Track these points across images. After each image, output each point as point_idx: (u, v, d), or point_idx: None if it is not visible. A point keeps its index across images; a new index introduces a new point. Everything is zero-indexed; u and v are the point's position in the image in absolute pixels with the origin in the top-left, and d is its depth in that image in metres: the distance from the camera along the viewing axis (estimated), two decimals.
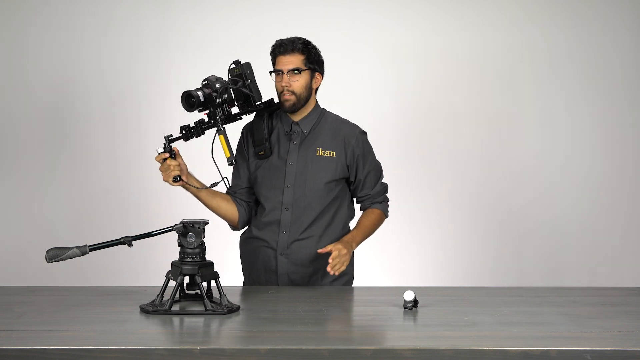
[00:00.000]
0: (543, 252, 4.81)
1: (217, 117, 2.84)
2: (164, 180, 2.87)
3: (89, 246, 2.52)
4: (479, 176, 4.78)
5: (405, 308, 2.53)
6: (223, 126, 2.85)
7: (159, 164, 2.87)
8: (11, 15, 4.68)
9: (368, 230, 3.12)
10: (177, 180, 2.86)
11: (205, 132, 2.87)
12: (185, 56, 4.71)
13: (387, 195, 3.22)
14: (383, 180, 3.20)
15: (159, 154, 2.85)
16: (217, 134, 2.85)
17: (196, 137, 2.87)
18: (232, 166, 3.09)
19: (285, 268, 3.04)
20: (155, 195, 4.68)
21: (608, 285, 4.09)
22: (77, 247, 2.51)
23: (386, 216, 3.22)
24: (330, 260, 2.87)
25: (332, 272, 2.87)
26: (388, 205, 3.22)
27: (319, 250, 2.97)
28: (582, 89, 4.79)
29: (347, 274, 3.13)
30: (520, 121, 4.79)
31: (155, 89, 4.71)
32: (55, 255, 2.50)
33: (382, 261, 4.69)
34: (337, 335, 2.27)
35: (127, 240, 2.53)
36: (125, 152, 4.71)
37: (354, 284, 3.17)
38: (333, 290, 2.94)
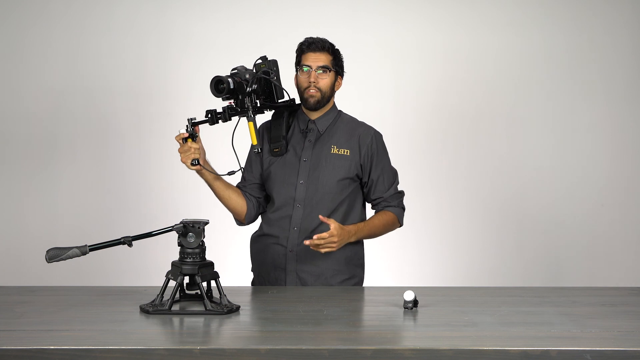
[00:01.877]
0: (543, 252, 4.81)
1: (248, 105, 2.83)
2: (182, 162, 2.87)
3: (89, 246, 2.52)
4: (479, 176, 4.78)
5: (405, 308, 2.53)
6: (253, 114, 2.85)
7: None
8: (10, 15, 4.68)
9: (376, 229, 3.09)
10: (194, 164, 2.85)
11: (232, 118, 2.87)
12: (185, 56, 4.71)
13: (404, 202, 3.18)
14: (399, 188, 3.17)
15: (180, 133, 2.84)
16: (247, 121, 2.85)
17: (222, 122, 2.87)
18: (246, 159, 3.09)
19: (294, 265, 3.04)
20: (155, 195, 4.68)
21: (608, 285, 4.09)
22: (77, 247, 2.51)
23: (400, 224, 3.17)
24: (315, 237, 2.84)
25: (306, 242, 2.85)
26: (403, 213, 3.17)
27: (321, 217, 2.90)
28: (582, 89, 4.79)
29: (356, 277, 3.13)
30: (520, 121, 4.79)
31: (156, 89, 4.71)
32: (55, 255, 2.50)
33: (383, 261, 4.69)
34: (337, 335, 2.27)
35: (127, 240, 2.53)
36: (125, 152, 4.71)
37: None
38: (333, 290, 2.94)
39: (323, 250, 2.88)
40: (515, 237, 4.81)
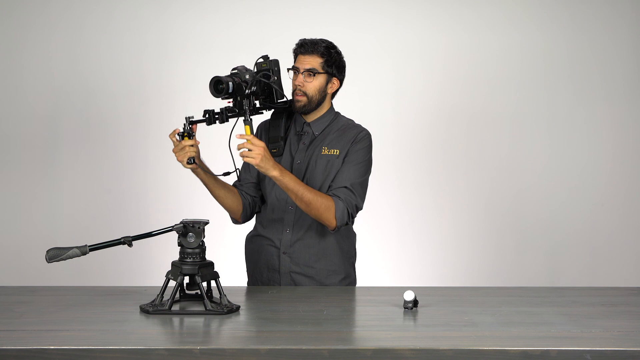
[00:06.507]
0: (543, 252, 4.81)
1: (246, 108, 2.81)
2: (178, 160, 2.82)
3: (89, 246, 2.52)
4: (479, 176, 4.79)
5: (405, 308, 2.53)
6: (250, 117, 2.83)
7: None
8: (10, 15, 4.68)
9: (307, 192, 2.86)
10: (190, 162, 2.82)
11: (230, 120, 2.84)
12: (185, 56, 4.71)
13: (351, 211, 2.94)
14: (359, 201, 2.97)
15: (175, 129, 2.80)
16: (243, 124, 2.81)
17: (220, 123, 2.84)
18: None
19: (287, 267, 3.04)
20: (155, 195, 4.68)
21: (608, 285, 4.09)
22: (77, 247, 2.51)
23: (335, 220, 2.90)
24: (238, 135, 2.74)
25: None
26: (345, 215, 2.91)
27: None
28: (581, 89, 4.79)
29: (350, 276, 3.12)
30: (520, 121, 4.79)
31: (156, 88, 4.71)
32: (55, 255, 2.50)
33: (382, 261, 4.69)
34: (337, 335, 2.27)
35: (127, 240, 2.53)
36: (125, 152, 4.71)
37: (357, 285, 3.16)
38: (333, 290, 2.94)
39: (248, 154, 2.75)
40: (515, 237, 4.81)
